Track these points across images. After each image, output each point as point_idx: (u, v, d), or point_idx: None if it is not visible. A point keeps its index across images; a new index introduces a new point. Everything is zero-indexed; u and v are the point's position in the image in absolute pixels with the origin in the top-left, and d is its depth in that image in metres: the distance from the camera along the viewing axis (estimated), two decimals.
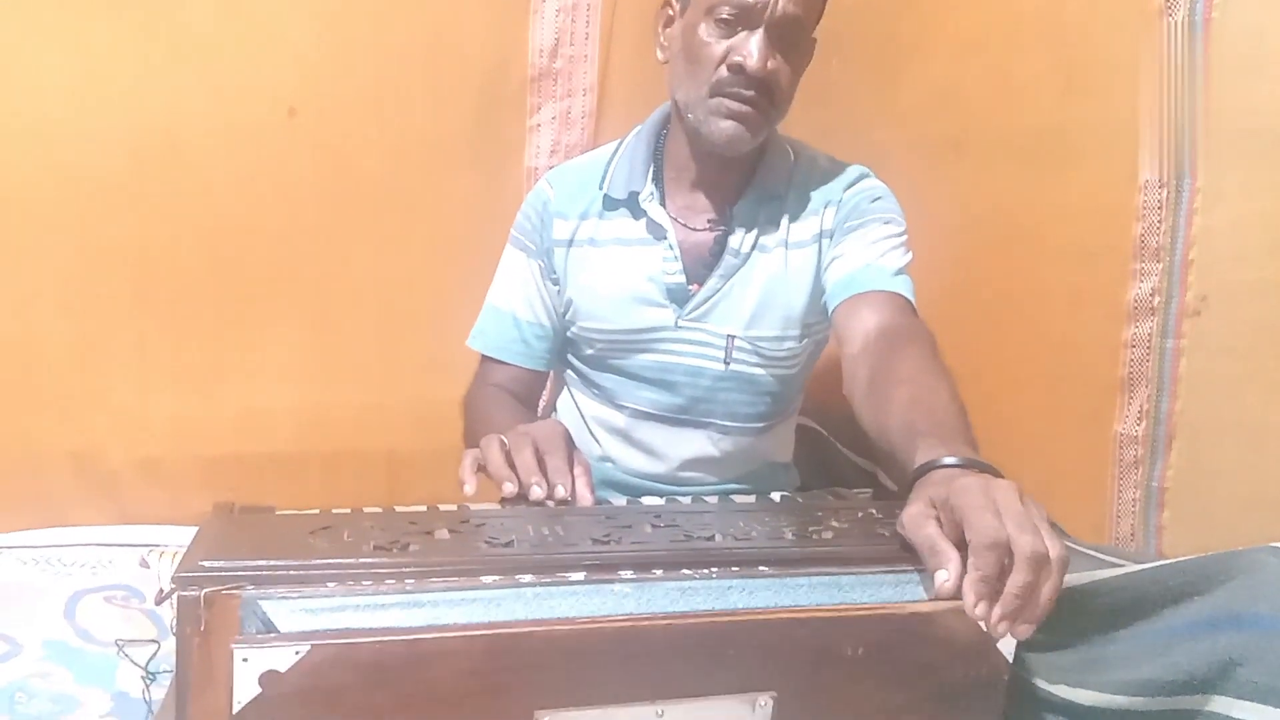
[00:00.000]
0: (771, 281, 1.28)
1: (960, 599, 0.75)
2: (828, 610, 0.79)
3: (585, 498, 0.97)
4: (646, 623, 0.75)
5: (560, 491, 0.95)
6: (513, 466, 0.98)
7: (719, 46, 1.18)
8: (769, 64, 1.16)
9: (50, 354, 1.51)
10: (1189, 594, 0.93)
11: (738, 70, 1.17)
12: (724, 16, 1.17)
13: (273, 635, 0.69)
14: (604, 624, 0.74)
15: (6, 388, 1.50)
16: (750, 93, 1.18)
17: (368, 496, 1.64)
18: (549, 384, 1.49)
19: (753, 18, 1.16)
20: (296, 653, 0.67)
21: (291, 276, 1.60)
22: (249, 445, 1.60)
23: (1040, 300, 1.57)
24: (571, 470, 0.99)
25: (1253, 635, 0.87)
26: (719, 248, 1.28)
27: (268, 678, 0.67)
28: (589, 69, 1.66)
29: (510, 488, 0.96)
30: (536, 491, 0.95)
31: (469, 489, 0.99)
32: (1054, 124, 1.53)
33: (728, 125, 1.20)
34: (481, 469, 1.01)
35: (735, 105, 1.18)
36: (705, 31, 1.18)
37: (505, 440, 1.01)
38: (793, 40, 1.19)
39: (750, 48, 1.16)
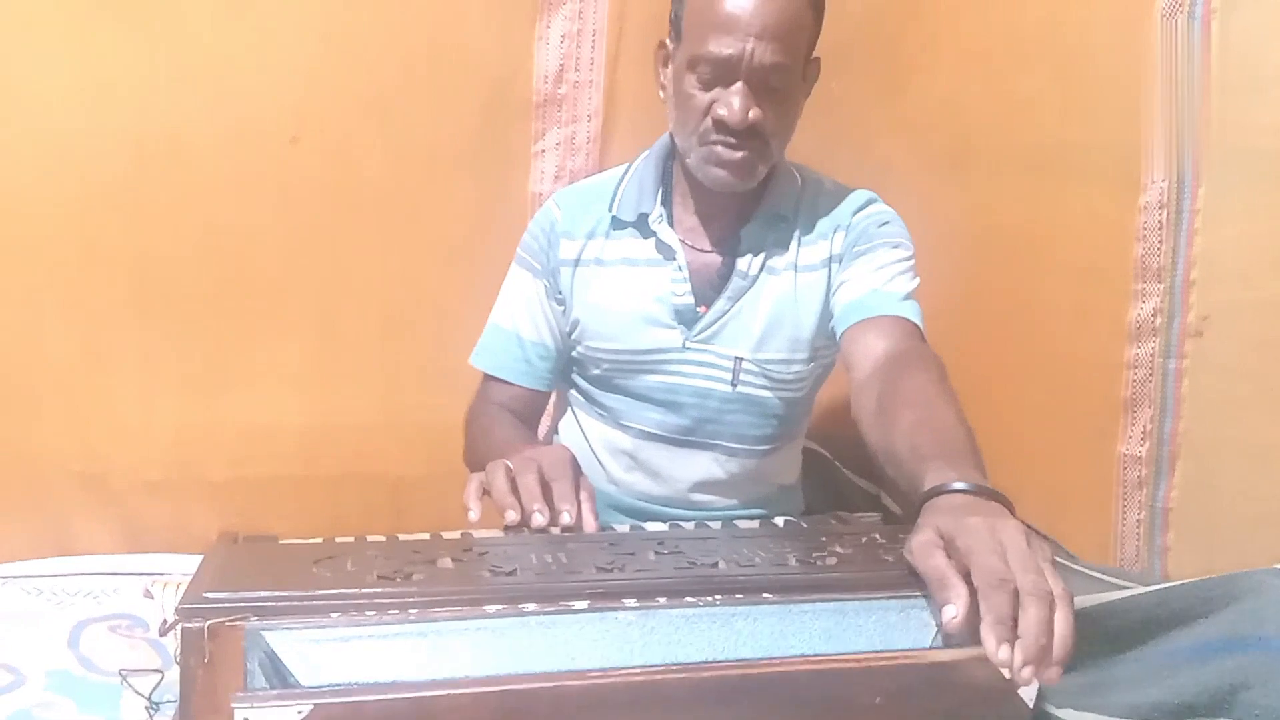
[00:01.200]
0: (779, 304, 1.29)
1: (976, 641, 0.73)
2: (846, 660, 0.78)
3: (589, 523, 0.97)
4: (659, 676, 0.74)
5: (565, 519, 0.95)
6: (516, 493, 0.98)
7: (703, 98, 1.18)
8: (750, 114, 1.16)
9: (53, 372, 1.51)
10: (1194, 617, 0.93)
11: (720, 124, 1.17)
12: (704, 75, 1.17)
13: (274, 693, 0.68)
14: (615, 677, 0.73)
15: (9, 407, 1.50)
16: (735, 141, 1.18)
17: (373, 518, 1.65)
18: (551, 406, 1.50)
19: (731, 72, 1.16)
20: (299, 712, 0.66)
21: (295, 292, 1.60)
22: (252, 463, 1.60)
23: (1042, 319, 1.57)
24: (577, 496, 0.99)
25: (1258, 658, 0.86)
26: (727, 270, 1.29)
27: None
28: (594, 94, 1.67)
29: (513, 515, 0.96)
30: (538, 519, 0.95)
31: (473, 515, 0.99)
32: (1055, 142, 1.53)
33: (719, 173, 1.21)
34: (486, 494, 1.01)
35: (725, 154, 1.19)
36: (690, 83, 1.19)
37: (510, 465, 1.01)
38: (777, 85, 1.18)
39: (730, 101, 1.16)
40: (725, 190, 1.24)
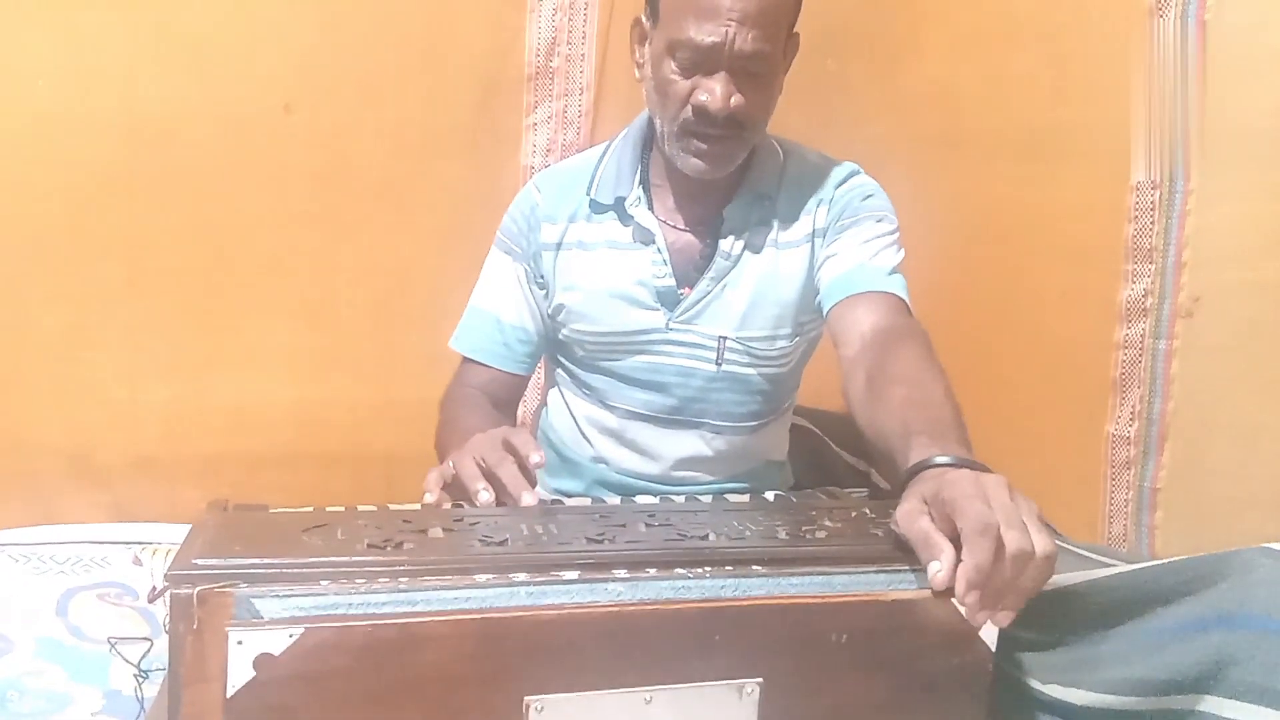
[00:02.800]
0: (763, 282, 1.28)
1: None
2: (812, 597, 0.79)
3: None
4: (635, 609, 0.76)
5: (526, 498, 0.94)
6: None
7: (683, 84, 1.17)
8: (732, 101, 1.15)
9: (42, 348, 1.51)
10: (1181, 594, 0.93)
11: (702, 111, 1.16)
12: (684, 61, 1.16)
13: (267, 620, 0.70)
14: (594, 610, 0.75)
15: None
16: (716, 131, 1.17)
17: (364, 494, 1.63)
18: (541, 380, 1.49)
19: (712, 60, 1.14)
20: (290, 635, 0.68)
21: (286, 272, 1.60)
22: (243, 442, 1.60)
23: (1033, 300, 1.58)
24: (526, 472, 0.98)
25: (1244, 635, 0.87)
26: (709, 250, 1.28)
27: (262, 660, 0.68)
28: (586, 68, 1.66)
29: (486, 496, 0.96)
30: (484, 496, 0.95)
31: (430, 498, 1.01)
32: (1047, 123, 1.53)
33: (696, 163, 1.20)
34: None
35: (702, 145, 1.18)
36: (669, 69, 1.17)
37: (480, 458, 1.00)
38: (758, 70, 1.16)
39: (712, 89, 1.15)
40: (702, 177, 1.23)
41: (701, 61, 1.14)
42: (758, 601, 0.78)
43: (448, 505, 0.98)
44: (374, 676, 0.70)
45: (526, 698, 0.74)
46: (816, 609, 0.79)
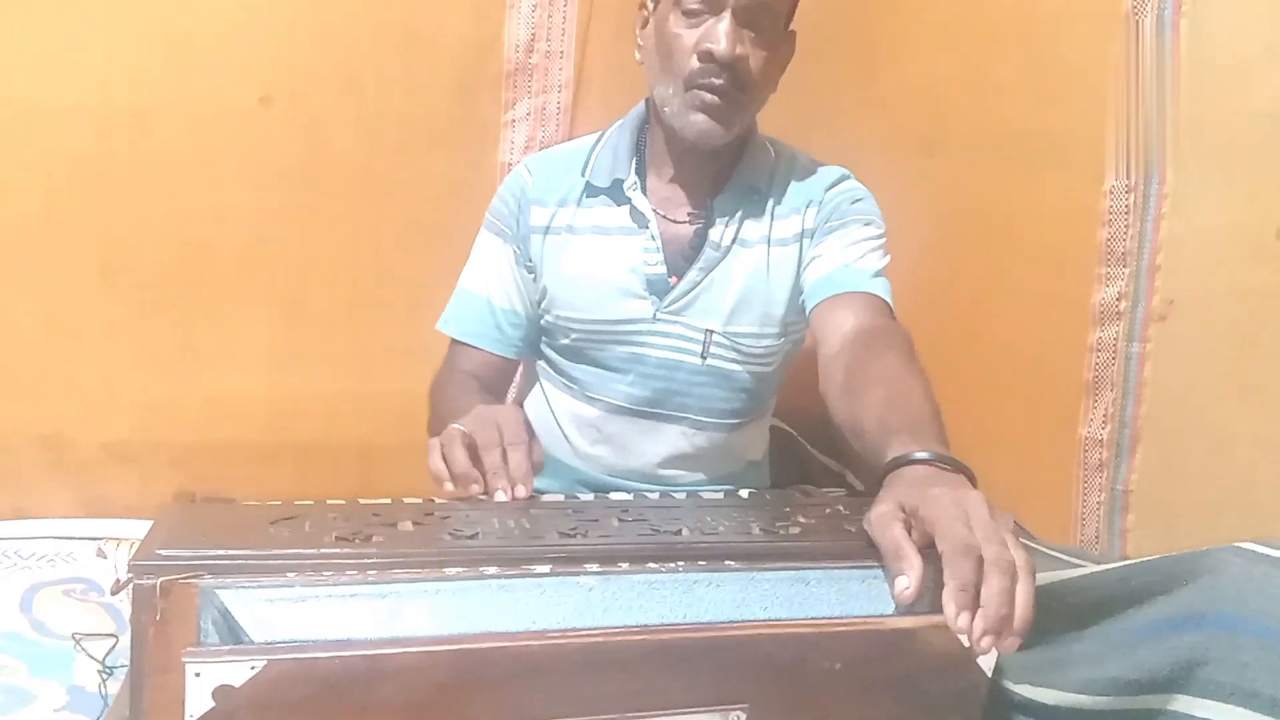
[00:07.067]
0: (752, 278, 1.28)
1: (937, 608, 0.74)
2: (803, 625, 0.78)
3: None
4: (616, 637, 0.74)
5: (520, 491, 0.94)
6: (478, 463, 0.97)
7: (689, 37, 1.18)
8: (738, 49, 1.16)
9: (15, 340, 1.49)
10: (1152, 594, 0.94)
11: (707, 58, 1.17)
12: (691, 6, 1.17)
13: (226, 649, 0.67)
14: (571, 638, 0.73)
15: None
16: (721, 81, 1.18)
17: (339, 487, 1.62)
18: (519, 379, 1.48)
19: (718, 3, 1.16)
20: (252, 668, 0.66)
21: (262, 263, 1.58)
22: (218, 434, 1.58)
23: (1008, 302, 1.58)
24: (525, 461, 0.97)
25: (1215, 635, 0.87)
26: (699, 240, 1.28)
27: (221, 692, 0.65)
28: (565, 65, 1.66)
29: (476, 488, 0.95)
30: (474, 489, 0.95)
31: (450, 486, 0.98)
32: (1025, 127, 1.54)
33: (699, 119, 1.20)
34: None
35: (708, 97, 1.18)
36: (675, 23, 1.19)
37: (465, 430, 0.99)
38: (762, 25, 1.19)
39: (718, 33, 1.16)
40: (701, 141, 1.22)
41: (709, 5, 1.17)
42: (746, 629, 0.76)
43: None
44: (341, 707, 0.68)
45: None
46: (807, 637, 0.77)
